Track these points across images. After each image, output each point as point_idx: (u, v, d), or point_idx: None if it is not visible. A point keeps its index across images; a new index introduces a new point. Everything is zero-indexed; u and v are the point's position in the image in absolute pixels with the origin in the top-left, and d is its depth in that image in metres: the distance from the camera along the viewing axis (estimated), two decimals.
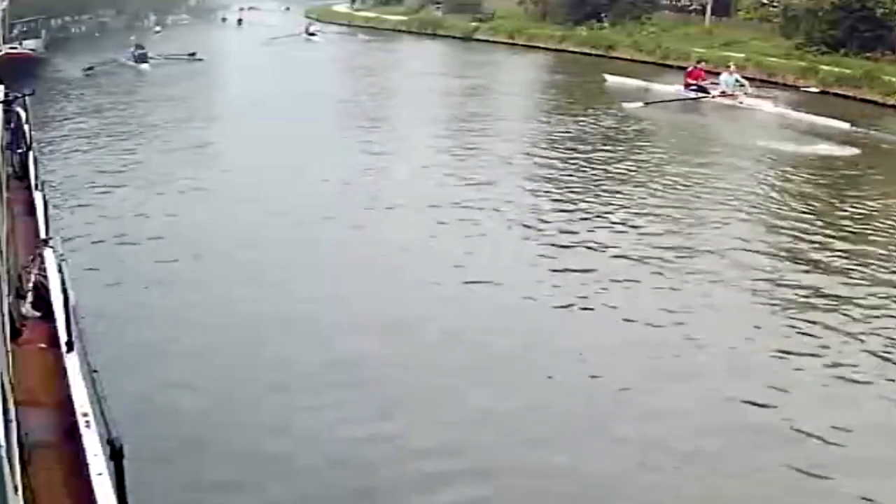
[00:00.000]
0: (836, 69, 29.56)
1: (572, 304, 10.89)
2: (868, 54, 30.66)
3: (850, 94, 28.10)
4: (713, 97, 24.88)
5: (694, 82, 25.69)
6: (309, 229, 13.71)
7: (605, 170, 17.87)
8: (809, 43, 32.44)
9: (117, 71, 33.46)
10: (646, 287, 11.45)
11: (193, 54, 36.66)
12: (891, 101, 26.84)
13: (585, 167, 18.01)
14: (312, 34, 47.23)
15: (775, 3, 37.17)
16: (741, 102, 24.41)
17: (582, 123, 22.79)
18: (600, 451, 7.69)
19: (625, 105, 24.29)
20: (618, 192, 16.17)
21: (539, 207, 15.06)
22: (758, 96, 24.78)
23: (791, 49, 32.97)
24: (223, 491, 6.94)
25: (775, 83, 30.59)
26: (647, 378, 9.02)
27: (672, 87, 26.33)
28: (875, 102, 27.22)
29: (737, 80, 25.07)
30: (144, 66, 34.17)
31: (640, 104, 24.21)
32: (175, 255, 12.40)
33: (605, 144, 20.47)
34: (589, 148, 19.96)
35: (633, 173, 17.85)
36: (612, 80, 29.27)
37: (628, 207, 15.06)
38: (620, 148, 20.32)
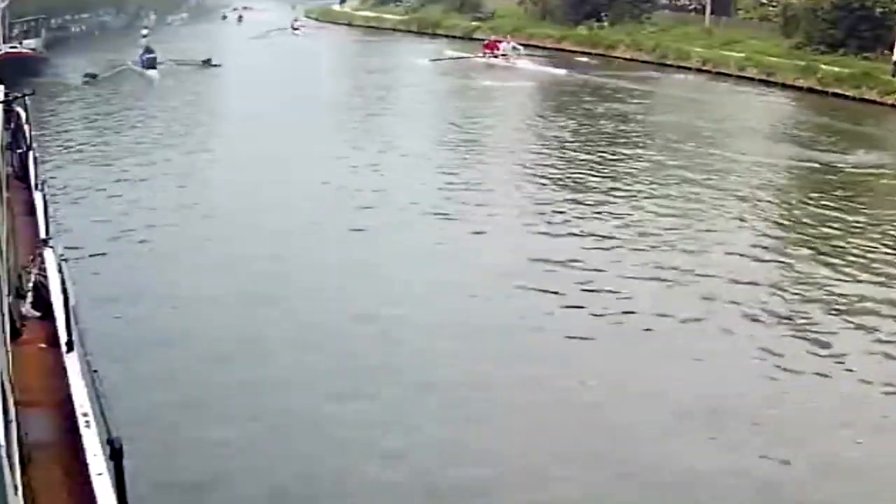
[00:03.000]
0: (836, 68, 29.55)
1: None
2: (867, 54, 30.64)
3: (850, 93, 28.09)
4: (498, 58, 36.18)
5: (489, 51, 36.74)
6: (304, 232, 13.78)
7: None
8: (809, 42, 32.45)
9: (121, 79, 30.82)
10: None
11: (209, 61, 33.86)
12: (889, 101, 26.84)
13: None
14: (296, 29, 52.39)
15: (775, 3, 37.18)
16: (514, 62, 35.69)
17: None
18: None
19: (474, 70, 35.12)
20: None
21: None
22: (526, 56, 36.33)
23: (791, 48, 32.97)
24: None
25: (773, 82, 30.65)
26: None
27: (475, 55, 37.35)
28: (874, 101, 27.22)
29: (514, 47, 36.66)
30: (152, 72, 31.12)
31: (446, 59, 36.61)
32: (175, 254, 12.43)
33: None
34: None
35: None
36: (448, 53, 38.83)
37: None
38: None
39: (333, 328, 10.12)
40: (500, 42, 37.53)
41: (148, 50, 32.29)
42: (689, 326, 10.45)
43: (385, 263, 12.25)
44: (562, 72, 33.62)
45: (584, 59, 38.05)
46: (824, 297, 11.37)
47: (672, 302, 11.06)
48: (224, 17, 65.67)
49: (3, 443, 2.86)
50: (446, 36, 48.61)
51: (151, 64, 31.56)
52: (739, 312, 10.73)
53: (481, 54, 36.91)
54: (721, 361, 9.52)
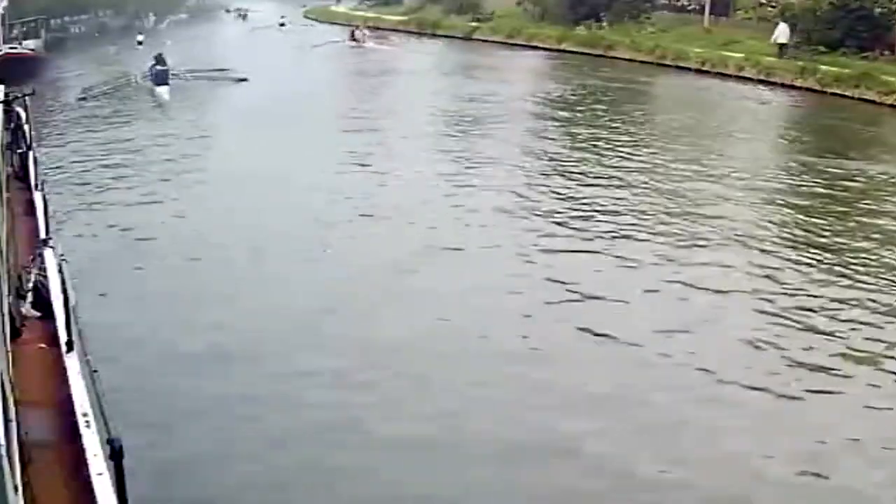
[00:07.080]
0: (835, 69, 29.53)
1: None
2: (866, 54, 30.63)
3: (849, 93, 28.08)
4: (357, 43, 44.44)
5: (349, 37, 45.23)
6: (305, 235, 13.81)
7: None
8: (808, 42, 32.42)
9: (123, 95, 26.88)
10: None
11: (233, 73, 29.52)
12: (889, 101, 26.83)
13: None
14: (283, 24, 57.05)
15: (774, 3, 37.14)
16: (367, 45, 44.24)
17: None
18: None
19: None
20: None
21: None
22: (376, 39, 45.93)
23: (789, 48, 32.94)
24: None
25: (772, 82, 30.65)
26: None
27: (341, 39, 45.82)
28: (873, 102, 27.22)
29: (364, 33, 45.52)
30: (163, 89, 26.51)
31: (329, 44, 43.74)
32: (174, 256, 12.45)
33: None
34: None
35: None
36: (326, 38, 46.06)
37: None
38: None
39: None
40: (356, 30, 46.44)
41: (160, 61, 27.83)
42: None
43: None
44: (399, 50, 43.74)
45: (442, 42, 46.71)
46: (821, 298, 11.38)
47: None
48: (240, 16, 67.84)
49: (3, 443, 2.87)
50: (445, 36, 48.65)
51: (163, 78, 27.01)
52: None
53: (344, 39, 45.07)
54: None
